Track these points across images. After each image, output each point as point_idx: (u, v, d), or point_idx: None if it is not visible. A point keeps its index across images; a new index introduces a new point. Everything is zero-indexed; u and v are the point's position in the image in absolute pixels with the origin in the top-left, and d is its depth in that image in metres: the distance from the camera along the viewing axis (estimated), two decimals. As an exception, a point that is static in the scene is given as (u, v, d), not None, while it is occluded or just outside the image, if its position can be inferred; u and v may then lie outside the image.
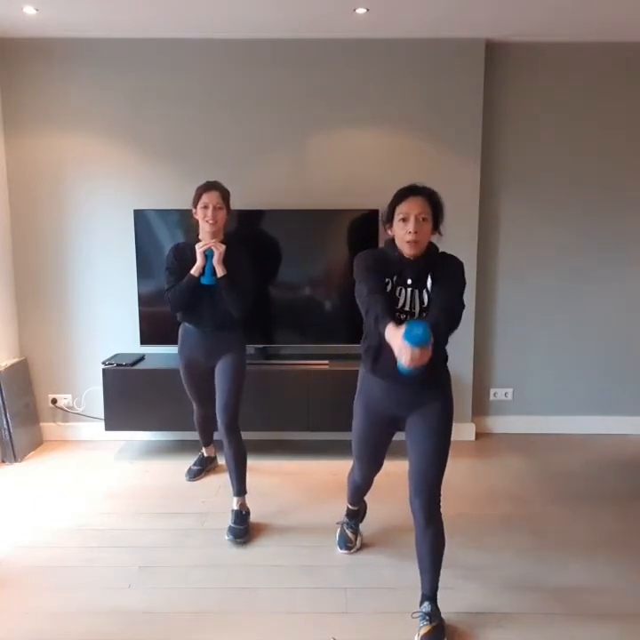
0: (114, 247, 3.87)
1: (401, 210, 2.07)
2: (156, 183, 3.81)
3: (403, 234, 2.07)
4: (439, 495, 2.20)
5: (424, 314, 2.09)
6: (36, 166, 3.81)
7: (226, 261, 2.84)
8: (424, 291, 2.10)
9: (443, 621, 2.17)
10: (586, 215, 3.93)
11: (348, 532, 2.74)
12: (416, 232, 2.04)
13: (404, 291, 2.11)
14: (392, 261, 2.13)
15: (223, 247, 2.83)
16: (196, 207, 2.86)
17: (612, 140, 3.86)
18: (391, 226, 2.13)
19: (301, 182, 3.81)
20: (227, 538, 2.77)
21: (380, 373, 2.19)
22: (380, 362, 2.17)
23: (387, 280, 2.12)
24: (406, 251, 2.08)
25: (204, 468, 3.50)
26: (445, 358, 2.23)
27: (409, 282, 2.10)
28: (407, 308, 2.10)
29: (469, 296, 3.86)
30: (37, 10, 3.23)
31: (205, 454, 3.52)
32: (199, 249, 2.83)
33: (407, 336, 1.80)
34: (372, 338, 2.17)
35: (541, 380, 4.10)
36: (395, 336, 1.86)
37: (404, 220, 2.06)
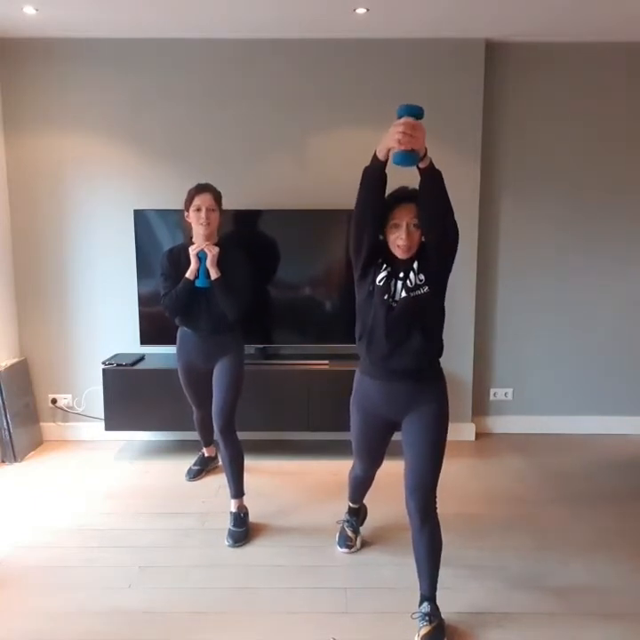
0: (114, 247, 3.87)
1: (393, 216, 2.10)
2: (156, 183, 3.81)
3: (394, 239, 2.11)
4: (435, 495, 2.20)
5: (411, 294, 2.11)
6: (35, 166, 3.81)
7: (220, 263, 2.82)
8: (411, 272, 2.13)
9: (443, 621, 2.17)
10: (586, 215, 3.93)
11: (349, 531, 2.74)
12: (408, 239, 2.09)
13: (394, 282, 2.14)
14: (389, 256, 2.17)
15: (216, 249, 2.81)
16: (188, 210, 2.84)
17: (612, 140, 3.86)
18: (383, 230, 2.15)
19: (301, 182, 3.81)
20: (226, 543, 2.77)
21: (375, 360, 2.18)
22: (373, 346, 2.17)
23: (383, 265, 2.15)
24: (399, 254, 2.13)
25: (204, 468, 3.50)
26: (440, 352, 2.23)
27: (401, 275, 2.14)
28: (397, 298, 2.13)
29: (469, 296, 3.88)
30: (37, 10, 3.23)
31: (206, 454, 3.52)
32: (192, 252, 2.81)
33: (400, 109, 1.89)
34: (365, 317, 2.18)
35: (541, 380, 4.10)
36: (385, 137, 1.92)
37: (397, 225, 2.10)
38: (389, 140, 1.89)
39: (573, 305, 4.02)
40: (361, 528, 2.80)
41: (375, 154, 1.99)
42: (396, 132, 1.85)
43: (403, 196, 2.11)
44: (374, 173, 2.01)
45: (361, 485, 2.65)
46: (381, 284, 2.13)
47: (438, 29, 3.55)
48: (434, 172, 1.98)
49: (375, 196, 2.05)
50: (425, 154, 1.93)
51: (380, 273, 2.14)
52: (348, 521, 2.76)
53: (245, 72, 3.73)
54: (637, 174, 3.89)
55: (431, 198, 2.01)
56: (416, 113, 1.88)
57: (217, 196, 2.86)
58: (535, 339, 4.06)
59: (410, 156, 1.89)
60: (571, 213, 3.93)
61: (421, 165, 1.95)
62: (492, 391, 4.12)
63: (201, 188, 2.84)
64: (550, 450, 3.87)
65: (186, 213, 2.86)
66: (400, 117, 1.88)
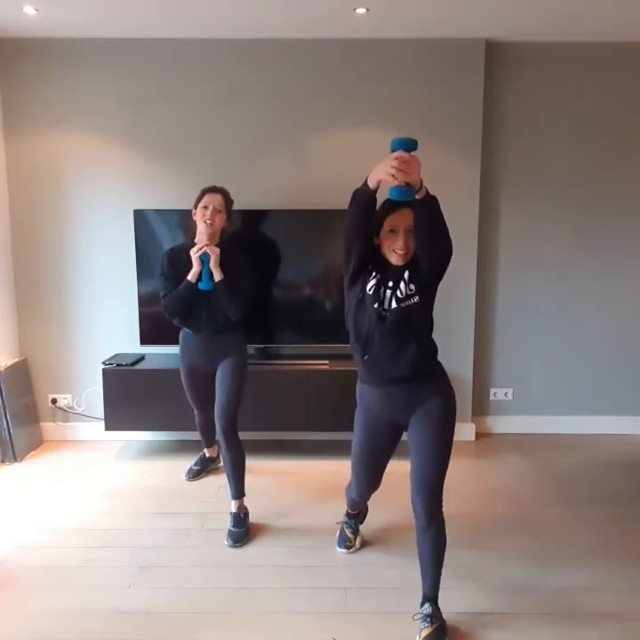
0: (114, 247, 3.87)
1: (390, 222, 2.09)
2: (156, 183, 3.81)
3: (391, 245, 2.10)
4: (441, 494, 2.20)
5: (402, 304, 2.10)
6: (35, 166, 3.81)
7: (222, 264, 2.82)
8: (401, 282, 2.11)
9: (444, 622, 2.16)
10: (586, 215, 3.93)
11: (348, 532, 2.74)
12: (405, 246, 2.08)
13: (383, 290, 2.13)
14: (380, 261, 2.15)
15: (218, 250, 2.81)
16: (196, 207, 2.85)
17: (611, 140, 3.86)
18: (378, 235, 2.13)
19: (301, 182, 3.81)
20: (226, 543, 2.77)
21: (372, 369, 2.18)
22: (369, 357, 2.16)
23: (374, 273, 2.13)
24: (394, 260, 2.12)
25: (204, 468, 3.50)
26: (435, 352, 2.23)
27: (390, 284, 2.12)
28: (386, 306, 2.12)
29: (469, 296, 3.88)
30: (37, 10, 3.23)
31: (207, 455, 3.52)
32: (194, 254, 2.81)
33: (393, 143, 1.83)
34: (359, 326, 2.16)
35: (541, 380, 4.10)
36: (378, 165, 1.88)
37: (393, 231, 2.09)
38: (382, 173, 1.85)
39: (573, 305, 4.02)
40: (361, 527, 2.80)
41: (366, 181, 1.95)
42: (389, 166, 1.81)
43: (400, 202, 2.10)
44: (365, 200, 1.98)
45: (359, 505, 2.67)
46: (371, 292, 2.12)
47: (438, 29, 3.55)
48: (430, 200, 1.94)
49: (364, 218, 2.03)
50: (421, 185, 1.90)
51: (369, 281, 2.13)
52: (346, 522, 2.76)
53: (245, 72, 3.73)
54: (637, 174, 3.89)
55: (427, 226, 2.00)
56: (409, 147, 1.82)
57: (227, 200, 2.87)
58: (535, 339, 4.06)
59: (405, 191, 1.86)
60: (571, 213, 3.93)
61: (418, 197, 1.91)
62: (492, 391, 4.12)
63: (213, 189, 2.86)
64: (550, 450, 3.87)
65: (193, 211, 2.87)
66: (393, 151, 1.83)
